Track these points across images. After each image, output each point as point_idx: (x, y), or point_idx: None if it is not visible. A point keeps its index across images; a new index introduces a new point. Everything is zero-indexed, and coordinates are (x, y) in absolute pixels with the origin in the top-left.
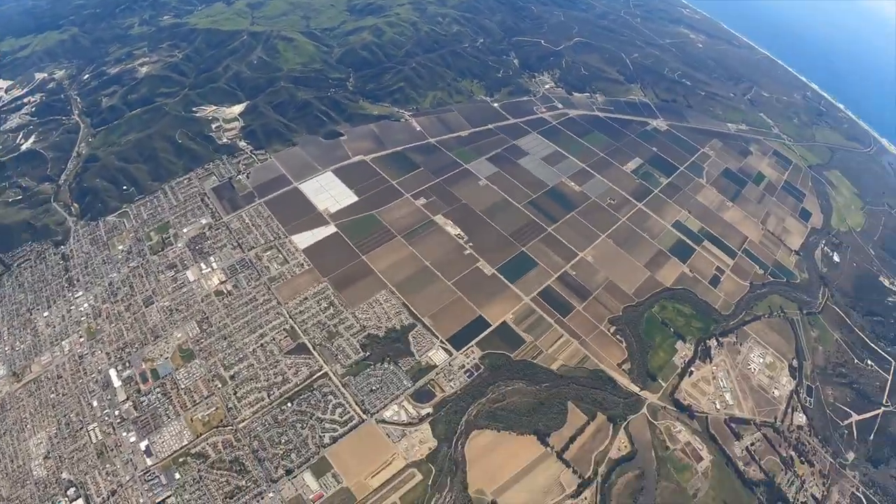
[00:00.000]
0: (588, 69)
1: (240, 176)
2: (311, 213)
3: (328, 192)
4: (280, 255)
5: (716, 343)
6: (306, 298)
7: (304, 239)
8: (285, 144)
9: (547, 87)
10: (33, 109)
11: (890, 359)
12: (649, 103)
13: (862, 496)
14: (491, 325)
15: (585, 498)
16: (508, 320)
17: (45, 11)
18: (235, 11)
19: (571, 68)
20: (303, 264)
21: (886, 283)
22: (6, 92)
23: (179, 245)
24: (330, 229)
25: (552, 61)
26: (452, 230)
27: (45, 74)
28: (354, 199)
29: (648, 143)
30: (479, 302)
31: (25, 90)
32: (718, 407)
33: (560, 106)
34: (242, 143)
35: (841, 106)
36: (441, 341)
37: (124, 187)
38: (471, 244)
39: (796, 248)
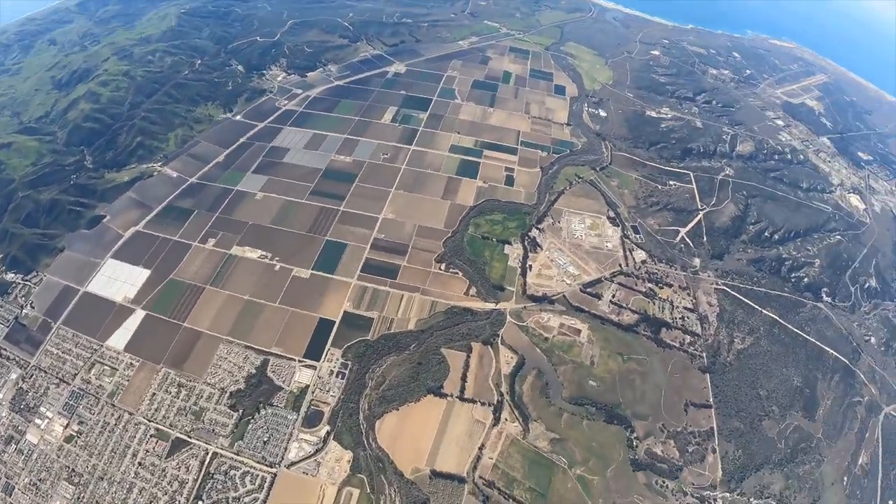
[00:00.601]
0: (311, 46)
1: (24, 311)
2: (113, 309)
3: (119, 280)
4: (106, 367)
5: (537, 232)
6: (154, 394)
7: (119, 338)
8: (52, 255)
9: (280, 79)
10: None
11: (685, 171)
12: (381, 53)
13: (723, 286)
14: (335, 321)
15: (506, 419)
16: (347, 308)
17: None
18: None
19: (295, 52)
20: (132, 364)
21: (653, 114)
22: None
23: (3, 414)
24: (139, 315)
25: (275, 53)
26: (253, 254)
27: None
28: (147, 273)
29: (395, 90)
30: (312, 307)
31: None
32: (568, 282)
33: (299, 91)
34: (10, 276)
35: None
36: (299, 360)
37: None
38: (277, 258)
39: (565, 120)
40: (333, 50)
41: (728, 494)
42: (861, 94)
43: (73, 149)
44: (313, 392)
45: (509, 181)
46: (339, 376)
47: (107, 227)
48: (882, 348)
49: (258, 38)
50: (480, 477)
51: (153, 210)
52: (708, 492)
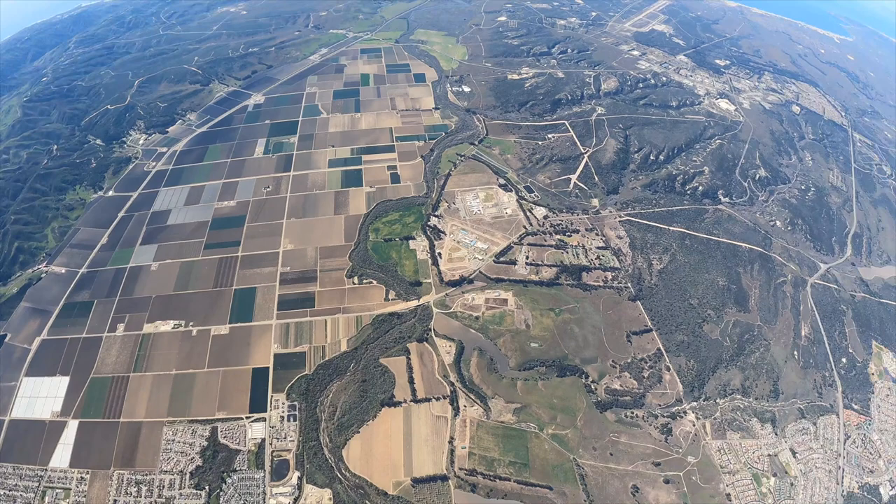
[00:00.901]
0: (165, 100)
1: None
2: (45, 429)
3: (40, 397)
4: (58, 490)
5: (436, 219)
6: (115, 500)
7: (61, 457)
8: None
9: (142, 142)
10: None
11: (560, 122)
12: (236, 89)
13: (626, 217)
14: (268, 367)
15: (465, 406)
16: (277, 350)
17: None
18: None
19: (150, 110)
20: (83, 478)
21: (515, 76)
22: None
23: None
24: (72, 426)
25: (130, 117)
26: (167, 327)
27: None
28: (66, 380)
29: (259, 121)
30: (242, 360)
31: None
32: (480, 257)
33: (164, 149)
34: None
35: None
36: (247, 417)
37: None
38: (192, 323)
39: (432, 106)
40: (188, 98)
41: (695, 403)
42: (704, 7)
43: None
44: (271, 444)
45: (395, 179)
46: (291, 419)
47: (11, 346)
48: (789, 228)
49: (109, 106)
50: (461, 468)
51: (52, 313)
52: (676, 407)
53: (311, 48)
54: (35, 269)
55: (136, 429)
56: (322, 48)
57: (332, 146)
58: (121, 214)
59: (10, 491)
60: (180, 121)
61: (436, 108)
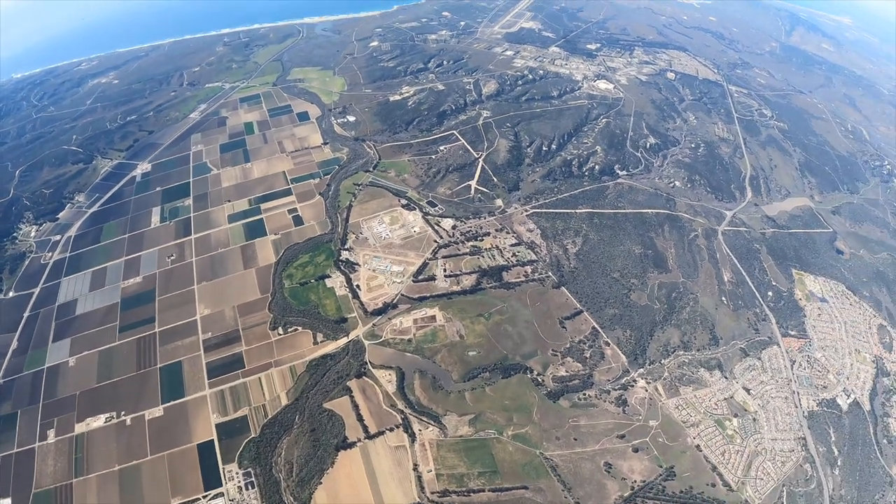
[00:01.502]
0: (49, 185)
1: None
2: None
3: None
4: None
5: (347, 252)
6: None
7: None
8: None
9: (33, 234)
10: None
11: (449, 133)
12: (120, 161)
13: (532, 210)
14: (213, 439)
15: (420, 430)
16: (217, 420)
17: None
18: None
19: (36, 199)
20: None
21: (397, 97)
22: None
23: None
24: None
25: (16, 210)
26: (98, 421)
27: None
28: (8, 501)
29: (150, 190)
30: (184, 439)
31: None
32: (399, 280)
33: (58, 237)
34: None
35: (256, 25)
36: (203, 497)
37: None
38: (123, 412)
39: (321, 142)
40: (73, 179)
41: (642, 369)
42: None
43: None
44: None
45: (298, 221)
46: (249, 487)
47: None
48: (688, 185)
49: None
50: (433, 493)
51: None
52: (624, 378)
53: (189, 106)
54: None
55: None
56: (200, 104)
57: (229, 201)
58: (26, 314)
59: None
60: (69, 204)
61: (325, 143)
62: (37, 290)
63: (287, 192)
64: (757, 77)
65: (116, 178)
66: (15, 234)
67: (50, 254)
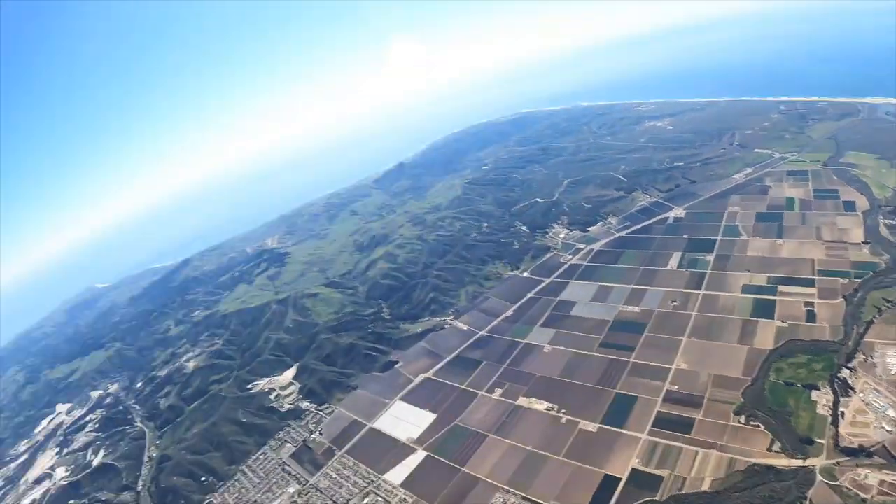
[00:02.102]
0: (589, 201)
1: (313, 436)
2: (396, 447)
3: (405, 421)
4: (379, 499)
5: (847, 372)
6: None
7: (397, 474)
8: (346, 391)
9: (562, 236)
10: (97, 425)
11: None
12: (658, 200)
13: None
14: (621, 478)
15: None
16: (635, 465)
17: (87, 335)
18: (258, 287)
19: (574, 209)
20: (405, 499)
21: None
22: (67, 414)
23: None
24: (420, 455)
25: (555, 212)
26: (540, 406)
27: (101, 391)
28: (432, 416)
29: (677, 234)
30: (598, 462)
31: (85, 409)
32: (889, 429)
33: (582, 246)
34: (305, 404)
35: (815, 98)
36: None
37: (202, 479)
38: (563, 411)
39: (861, 239)
40: (611, 203)
41: None
42: None
43: (372, 302)
44: None
45: (810, 317)
46: None
47: (399, 372)
48: None
49: (538, 199)
50: None
51: (443, 359)
52: None
53: (734, 167)
54: (441, 319)
55: (472, 483)
56: (746, 167)
57: (749, 271)
58: (529, 295)
59: (341, 478)
60: (601, 222)
61: (865, 243)
62: (546, 281)
63: (809, 283)
64: None
65: (650, 214)
66: (547, 231)
67: (571, 256)
